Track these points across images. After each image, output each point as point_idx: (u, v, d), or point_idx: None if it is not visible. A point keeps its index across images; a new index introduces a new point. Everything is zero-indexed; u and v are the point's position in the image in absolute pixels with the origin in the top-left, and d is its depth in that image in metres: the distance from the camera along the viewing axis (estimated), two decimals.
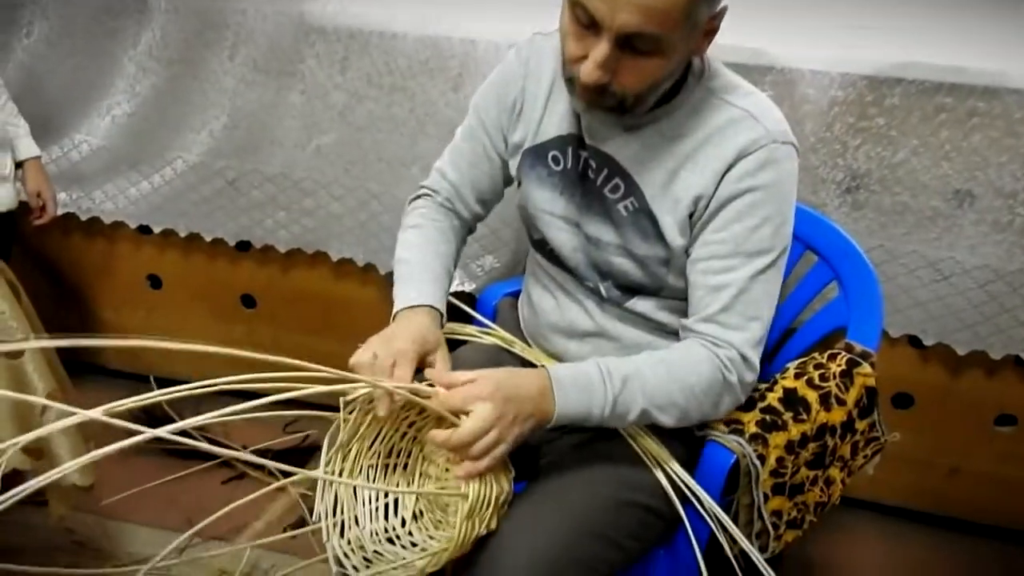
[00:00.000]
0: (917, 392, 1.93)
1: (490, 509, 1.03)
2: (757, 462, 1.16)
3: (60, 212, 2.08)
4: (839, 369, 1.27)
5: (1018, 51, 1.90)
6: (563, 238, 1.23)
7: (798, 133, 1.44)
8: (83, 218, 2.20)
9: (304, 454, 2.10)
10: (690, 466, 1.19)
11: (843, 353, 1.30)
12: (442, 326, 1.19)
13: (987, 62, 1.61)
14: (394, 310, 1.19)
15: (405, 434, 1.14)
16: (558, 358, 1.29)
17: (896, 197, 1.70)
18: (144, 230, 2.22)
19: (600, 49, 0.97)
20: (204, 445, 0.77)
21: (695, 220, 1.12)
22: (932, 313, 1.77)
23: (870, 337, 1.34)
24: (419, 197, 1.36)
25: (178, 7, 1.97)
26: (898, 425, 1.43)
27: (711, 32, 1.03)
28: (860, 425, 1.29)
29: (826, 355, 1.31)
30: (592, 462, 1.17)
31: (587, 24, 0.98)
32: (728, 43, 1.53)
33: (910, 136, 1.66)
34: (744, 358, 1.10)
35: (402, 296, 1.20)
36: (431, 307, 1.18)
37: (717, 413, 1.14)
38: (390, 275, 1.99)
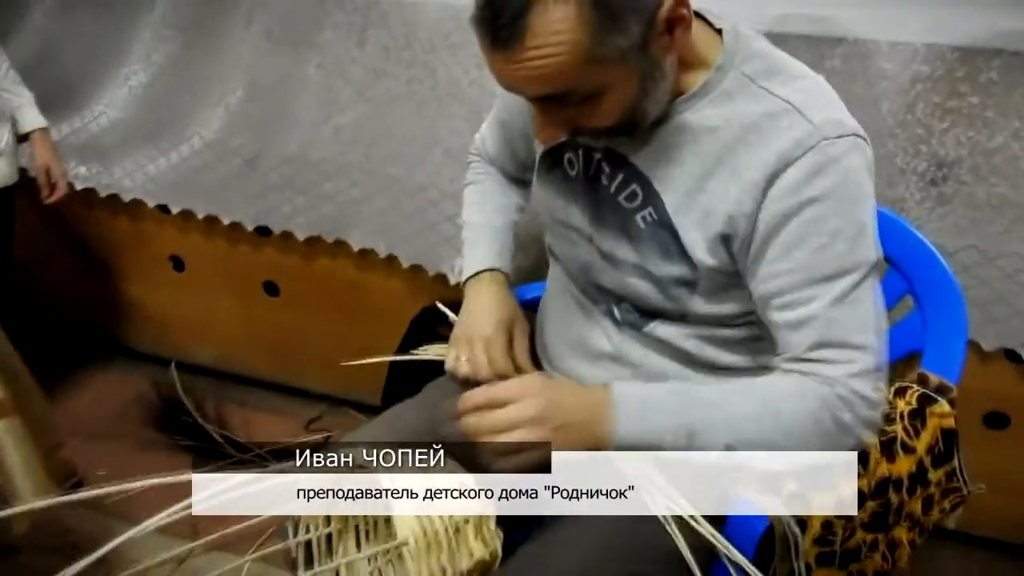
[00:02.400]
0: (1013, 411, 1.73)
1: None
2: (796, 529, 0.97)
3: (81, 186, 2.11)
4: (908, 408, 1.08)
5: None
6: (573, 252, 1.09)
7: (873, 115, 1.24)
8: (103, 194, 2.18)
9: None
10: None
11: (914, 387, 1.11)
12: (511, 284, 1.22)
13: None
14: (463, 277, 1.22)
15: None
16: None
17: (992, 188, 1.52)
18: (165, 209, 2.18)
19: (536, 115, 0.91)
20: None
21: (739, 245, 0.93)
22: None
23: (951, 366, 1.16)
24: (472, 158, 1.36)
25: None
26: (990, 447, 1.24)
27: (677, 20, 0.84)
28: (934, 475, 1.09)
29: (893, 389, 1.12)
30: (597, 522, 0.98)
31: None
32: (791, 12, 1.34)
33: (1011, 117, 1.47)
34: (857, 393, 0.90)
35: (468, 262, 1.22)
36: (497, 270, 1.20)
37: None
38: (413, 267, 1.93)
